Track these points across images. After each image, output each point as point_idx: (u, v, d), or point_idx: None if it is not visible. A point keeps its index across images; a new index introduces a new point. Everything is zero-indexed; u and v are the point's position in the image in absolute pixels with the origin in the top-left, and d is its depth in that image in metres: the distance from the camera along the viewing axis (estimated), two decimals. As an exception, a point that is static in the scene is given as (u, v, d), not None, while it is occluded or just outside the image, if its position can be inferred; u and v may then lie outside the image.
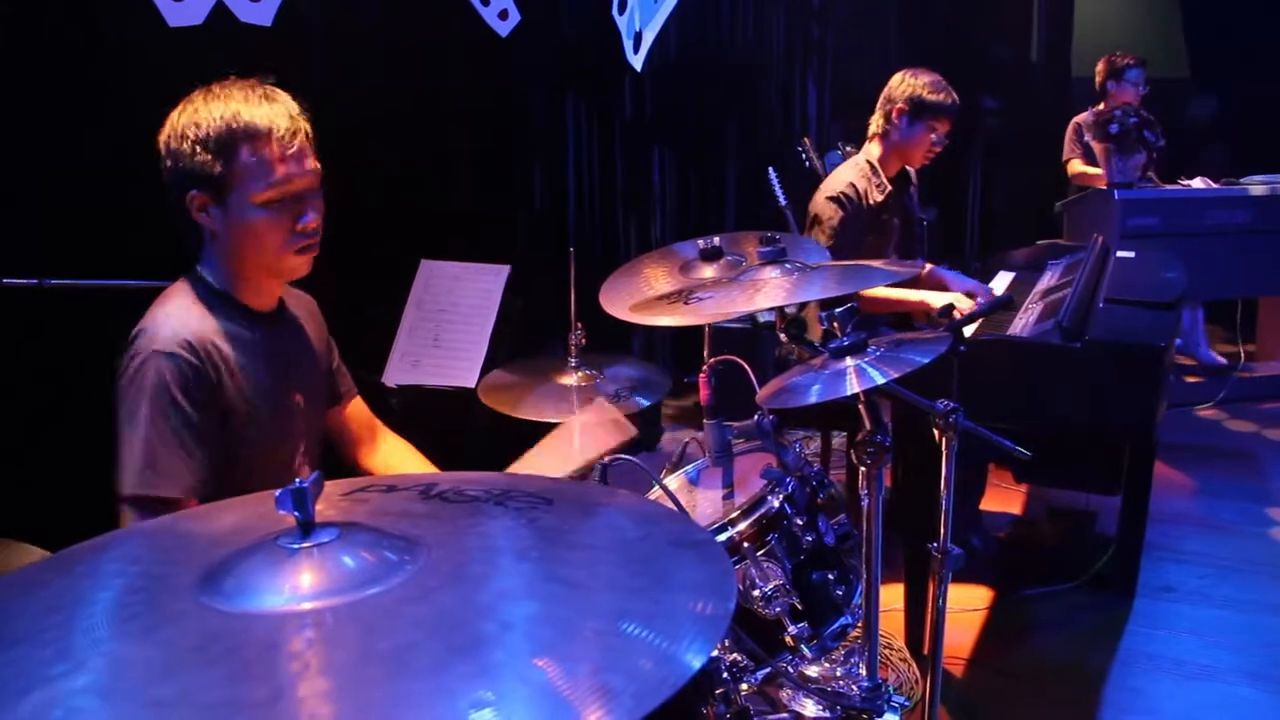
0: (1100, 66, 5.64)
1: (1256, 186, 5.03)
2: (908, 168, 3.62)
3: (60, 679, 0.84)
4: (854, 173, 3.47)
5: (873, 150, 3.53)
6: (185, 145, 1.73)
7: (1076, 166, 5.61)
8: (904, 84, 3.45)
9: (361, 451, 2.19)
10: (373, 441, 2.20)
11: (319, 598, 0.92)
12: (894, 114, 3.45)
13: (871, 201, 3.44)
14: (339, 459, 2.18)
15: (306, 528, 0.98)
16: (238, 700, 0.81)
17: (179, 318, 1.76)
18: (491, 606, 0.96)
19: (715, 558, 1.06)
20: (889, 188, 3.49)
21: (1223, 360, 5.63)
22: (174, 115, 1.77)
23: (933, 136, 3.45)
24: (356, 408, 2.20)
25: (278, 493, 0.97)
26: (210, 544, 1.06)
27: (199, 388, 1.74)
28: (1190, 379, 5.45)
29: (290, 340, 1.97)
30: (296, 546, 0.97)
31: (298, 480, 0.96)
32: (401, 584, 0.95)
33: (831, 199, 3.37)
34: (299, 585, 0.93)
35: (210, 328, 1.78)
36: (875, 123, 3.53)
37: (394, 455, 2.20)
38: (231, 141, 1.72)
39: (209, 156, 1.72)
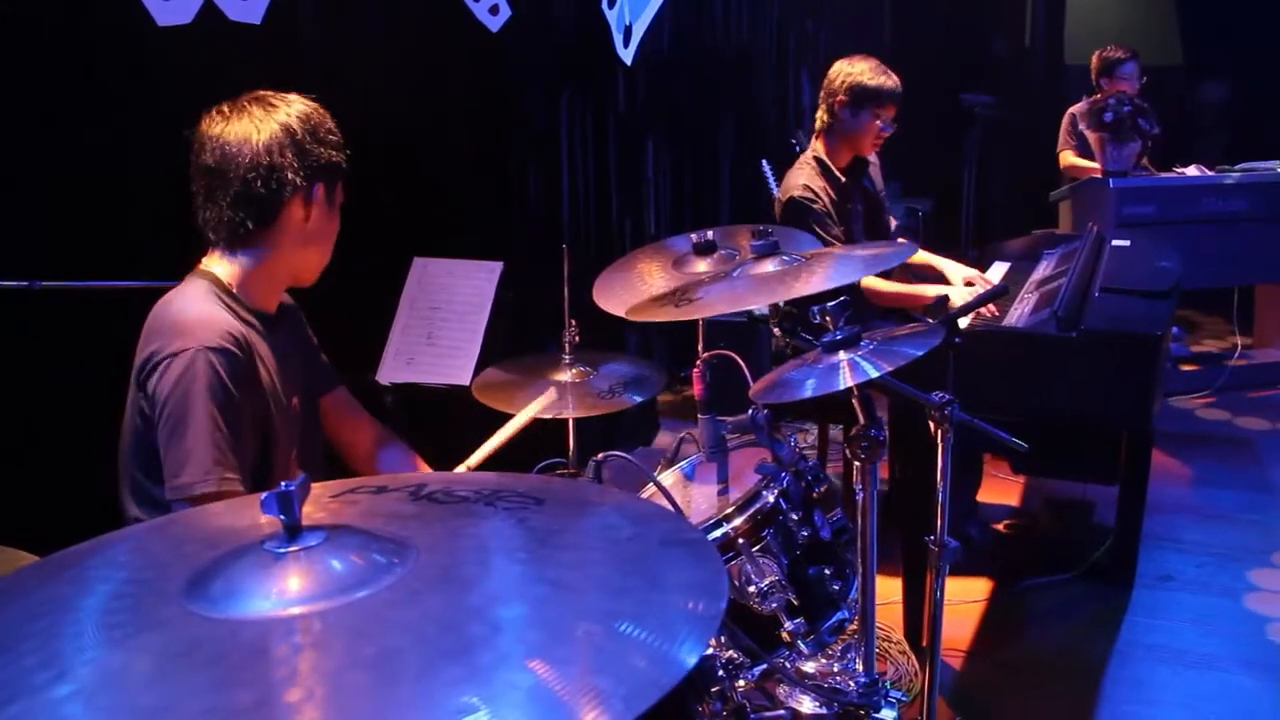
0: (1094, 62, 5.62)
1: (1252, 174, 5.02)
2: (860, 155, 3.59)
3: (44, 688, 0.83)
4: (803, 174, 3.43)
5: (818, 147, 3.49)
6: (331, 138, 1.86)
7: (1068, 159, 5.60)
8: (842, 74, 3.40)
9: (363, 436, 2.17)
10: (372, 426, 2.19)
11: (306, 602, 0.91)
12: (836, 106, 3.40)
13: (830, 197, 3.41)
14: (342, 455, 2.17)
15: (293, 531, 0.97)
16: (223, 707, 0.80)
17: (211, 313, 1.77)
18: (482, 609, 0.95)
19: (707, 556, 1.06)
20: (842, 180, 3.46)
21: (1188, 351, 5.64)
22: (296, 107, 1.83)
23: (879, 123, 3.39)
24: (345, 393, 2.19)
25: (262, 496, 0.96)
26: (198, 548, 1.05)
27: (247, 382, 1.75)
28: (1187, 368, 5.44)
29: (288, 342, 1.97)
30: (283, 551, 0.96)
31: (283, 484, 0.95)
32: (390, 587, 0.94)
33: (795, 203, 3.33)
34: (286, 590, 0.92)
35: (240, 325, 1.80)
36: (819, 118, 3.48)
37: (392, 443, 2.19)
38: (344, 144, 1.89)
39: (343, 155, 1.87)
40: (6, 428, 2.49)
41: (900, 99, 3.42)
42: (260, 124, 1.79)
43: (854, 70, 3.38)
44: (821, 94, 3.48)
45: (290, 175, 1.79)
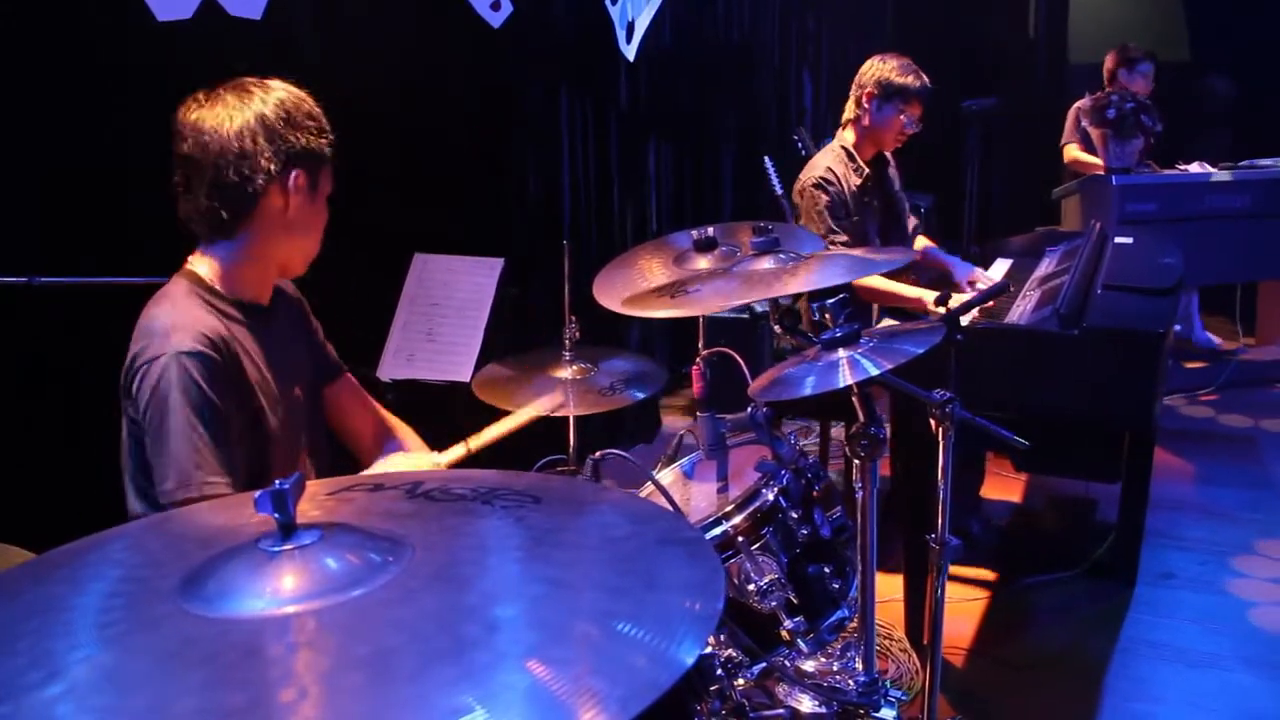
0: (1112, 58, 5.61)
1: (1255, 171, 5.01)
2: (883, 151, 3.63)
3: (36, 688, 0.82)
4: (830, 158, 3.49)
5: (847, 136, 3.56)
6: (308, 122, 1.79)
7: (1072, 152, 5.58)
8: (873, 68, 3.48)
9: (368, 425, 2.15)
10: (377, 415, 2.17)
11: (300, 601, 0.90)
12: (864, 98, 3.47)
13: (851, 186, 3.46)
14: (347, 445, 2.16)
15: (287, 530, 0.96)
16: (216, 707, 0.79)
17: (189, 315, 1.74)
18: (479, 608, 0.94)
19: (705, 555, 1.05)
20: (866, 171, 3.52)
21: (1218, 341, 5.62)
22: (274, 93, 1.77)
23: (903, 119, 3.46)
24: (350, 382, 2.17)
25: (257, 494, 0.95)
26: (195, 546, 1.04)
27: (227, 381, 1.73)
28: (1190, 365, 5.43)
29: (285, 331, 1.95)
30: (277, 549, 0.95)
31: (277, 481, 0.94)
32: (385, 586, 0.93)
33: (813, 185, 3.40)
34: (280, 589, 0.92)
35: (220, 323, 1.77)
36: (848, 108, 3.55)
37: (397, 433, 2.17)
38: (329, 131, 1.83)
39: (323, 140, 1.81)
40: (5, 424, 2.49)
41: (927, 99, 3.48)
42: (235, 111, 1.74)
43: (885, 66, 3.46)
44: (853, 85, 3.54)
45: (264, 162, 1.74)
